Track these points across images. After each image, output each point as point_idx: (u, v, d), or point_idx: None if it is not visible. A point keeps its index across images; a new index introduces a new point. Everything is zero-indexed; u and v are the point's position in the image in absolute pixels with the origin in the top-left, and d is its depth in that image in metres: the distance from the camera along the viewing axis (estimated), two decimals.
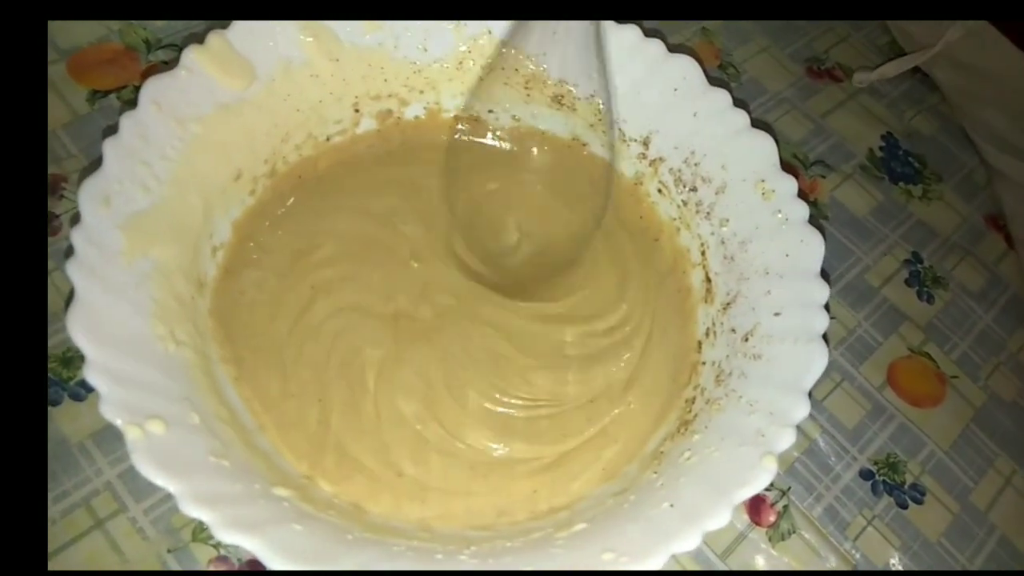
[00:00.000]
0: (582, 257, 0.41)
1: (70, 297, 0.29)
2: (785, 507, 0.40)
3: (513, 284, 0.40)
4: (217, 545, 0.35)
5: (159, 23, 0.48)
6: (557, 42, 0.41)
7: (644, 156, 0.42)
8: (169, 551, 0.35)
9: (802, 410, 0.31)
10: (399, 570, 0.27)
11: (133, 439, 0.27)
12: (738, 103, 0.39)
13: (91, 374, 0.27)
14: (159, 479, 0.26)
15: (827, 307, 0.34)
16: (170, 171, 0.34)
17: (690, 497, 0.30)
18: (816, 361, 0.32)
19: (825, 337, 0.33)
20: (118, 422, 0.27)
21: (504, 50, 0.42)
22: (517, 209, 0.42)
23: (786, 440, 0.30)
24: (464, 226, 0.40)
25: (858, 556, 0.40)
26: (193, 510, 0.26)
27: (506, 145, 0.44)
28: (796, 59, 0.58)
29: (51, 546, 0.34)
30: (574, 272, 0.41)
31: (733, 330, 0.36)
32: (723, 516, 0.28)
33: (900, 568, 0.40)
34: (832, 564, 0.39)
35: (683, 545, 0.28)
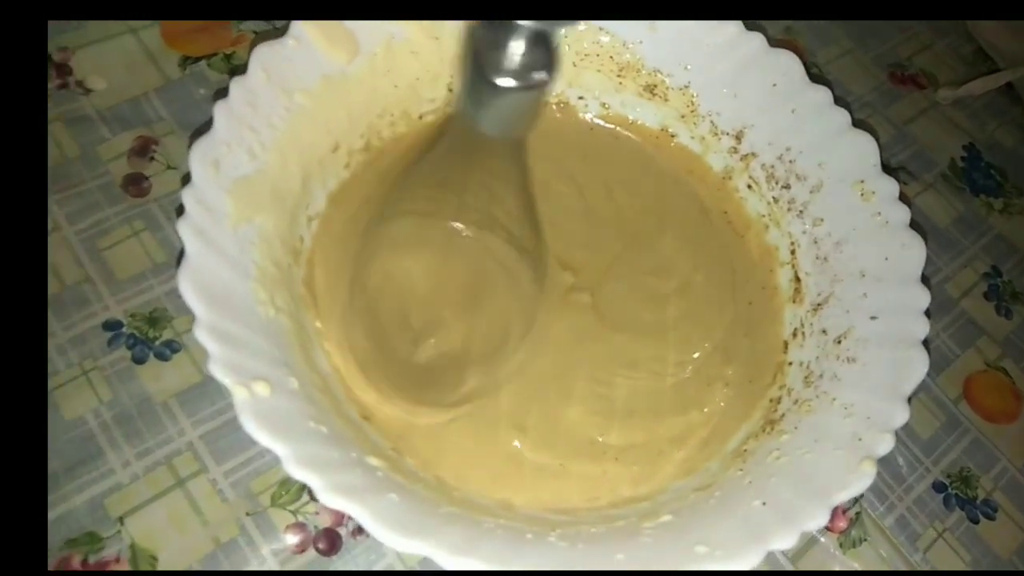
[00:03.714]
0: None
1: (178, 258, 0.30)
2: (857, 514, 0.40)
3: None
4: (295, 511, 0.35)
5: None
6: (655, 31, 0.41)
7: (735, 151, 0.42)
8: (248, 514, 0.35)
9: (902, 416, 0.30)
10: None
11: (241, 399, 0.27)
12: (838, 101, 0.38)
13: (201, 332, 0.28)
14: (266, 439, 0.26)
15: (927, 314, 0.33)
16: (275, 139, 0.34)
17: (784, 496, 0.29)
18: (917, 367, 0.32)
19: (926, 344, 0.32)
20: (227, 381, 0.27)
21: (601, 37, 0.42)
22: None
23: (885, 446, 0.30)
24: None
25: (927, 568, 0.39)
26: (299, 472, 0.26)
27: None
28: (879, 64, 0.57)
29: (134, 502, 0.34)
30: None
31: (824, 331, 0.36)
32: (821, 517, 0.28)
33: None
34: None
35: (780, 543, 0.27)
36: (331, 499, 0.26)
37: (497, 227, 0.31)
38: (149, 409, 0.36)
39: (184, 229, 0.29)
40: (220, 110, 0.32)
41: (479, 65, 0.21)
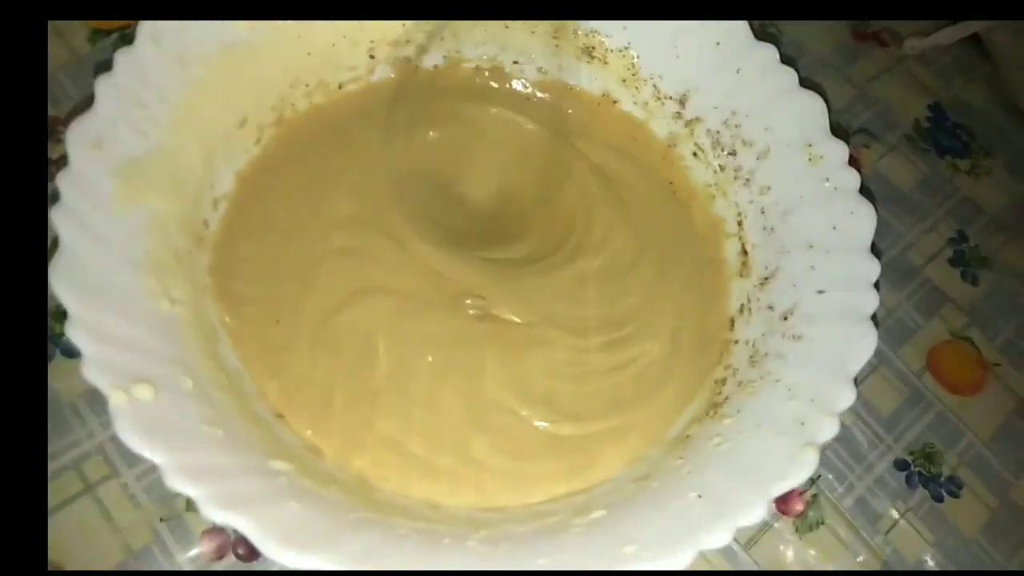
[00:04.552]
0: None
1: (54, 246, 0.27)
2: (814, 496, 0.38)
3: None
4: None
5: None
6: None
7: (680, 116, 0.39)
8: (162, 520, 0.33)
9: (847, 398, 0.28)
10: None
11: (117, 404, 0.25)
12: (785, 60, 0.36)
13: (74, 331, 0.25)
14: (143, 449, 0.24)
15: (876, 286, 0.31)
16: (169, 115, 0.31)
17: (721, 487, 0.27)
18: (864, 345, 0.29)
19: (874, 318, 0.30)
20: (102, 385, 0.25)
21: None
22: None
23: (829, 430, 0.28)
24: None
25: (889, 551, 0.38)
26: (179, 484, 0.24)
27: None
28: (841, 20, 0.54)
29: None
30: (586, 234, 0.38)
31: (771, 307, 0.34)
32: (758, 511, 0.26)
33: (933, 565, 0.38)
34: (862, 558, 0.37)
35: (713, 541, 0.25)
36: (215, 512, 0.24)
37: None
38: (56, 410, 0.34)
39: (58, 218, 0.27)
40: (102, 84, 0.30)
41: None
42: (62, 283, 0.26)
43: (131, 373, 0.26)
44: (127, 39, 0.41)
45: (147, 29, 0.31)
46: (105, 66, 0.30)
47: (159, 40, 0.31)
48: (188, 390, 0.27)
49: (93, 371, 0.25)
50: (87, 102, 0.30)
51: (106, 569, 0.32)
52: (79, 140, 0.28)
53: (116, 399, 0.25)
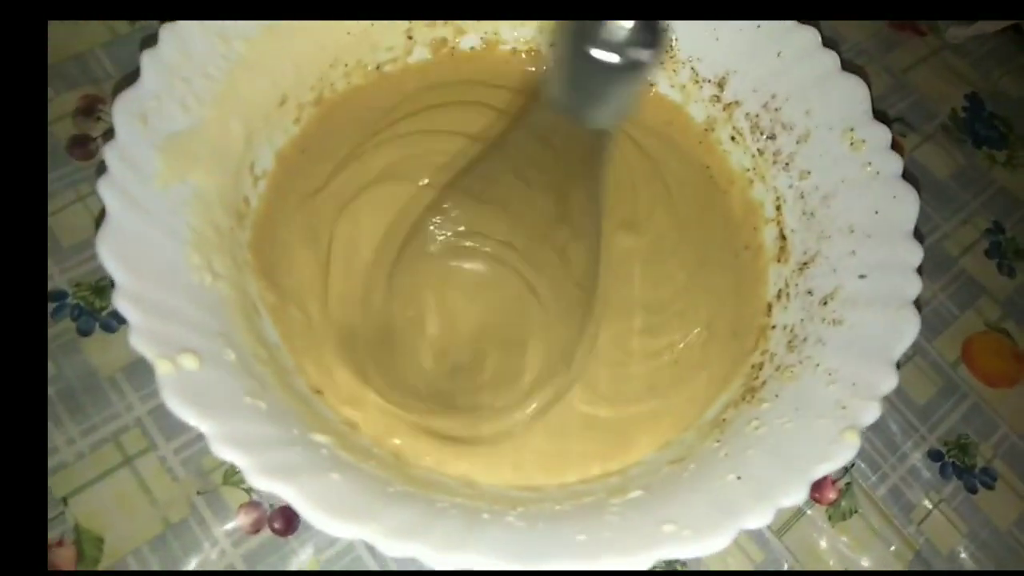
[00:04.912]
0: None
1: (100, 218, 0.27)
2: (848, 485, 0.38)
3: None
4: (249, 490, 0.34)
5: None
6: None
7: (718, 99, 0.39)
8: (199, 493, 0.33)
9: (890, 382, 0.28)
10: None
11: (164, 373, 0.25)
12: (827, 43, 0.36)
13: (121, 301, 0.25)
14: (190, 417, 0.24)
15: (919, 271, 0.31)
16: (212, 91, 0.31)
17: (760, 469, 0.27)
18: (907, 329, 0.29)
19: (917, 303, 0.30)
20: (148, 354, 0.25)
21: None
22: None
23: (871, 414, 0.28)
24: None
25: (922, 541, 0.37)
26: (225, 452, 0.24)
27: None
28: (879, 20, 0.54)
29: (79, 481, 0.33)
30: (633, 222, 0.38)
31: (810, 292, 0.33)
32: (799, 493, 0.26)
33: (966, 557, 0.37)
34: (894, 548, 0.37)
35: (754, 521, 0.25)
36: (261, 480, 0.24)
37: (548, 260, 0.29)
38: (95, 384, 0.35)
39: (105, 189, 0.27)
40: (147, 59, 0.30)
41: (579, 37, 0.18)
42: (109, 253, 0.26)
43: (176, 343, 0.26)
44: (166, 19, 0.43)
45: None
46: (150, 41, 0.30)
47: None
48: (231, 362, 0.27)
49: (139, 340, 0.25)
50: (130, 78, 0.30)
51: (146, 540, 0.32)
52: (125, 113, 0.29)
53: (163, 368, 0.25)
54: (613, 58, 0.19)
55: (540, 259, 0.30)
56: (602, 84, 0.20)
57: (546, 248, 0.30)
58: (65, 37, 0.41)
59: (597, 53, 0.19)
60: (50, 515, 0.32)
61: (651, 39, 0.19)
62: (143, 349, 0.25)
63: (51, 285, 0.36)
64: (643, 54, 0.19)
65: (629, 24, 0.18)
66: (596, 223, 0.27)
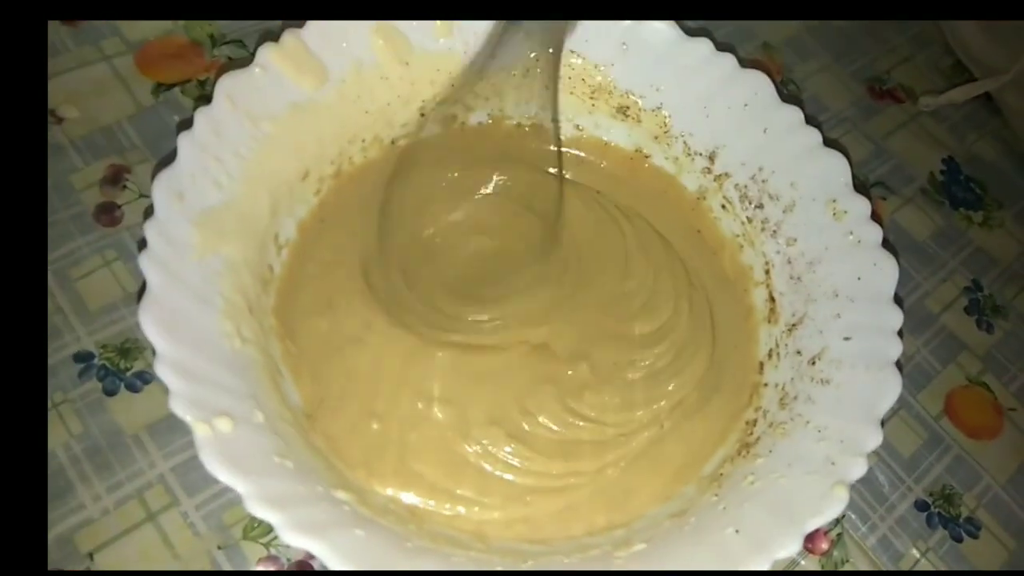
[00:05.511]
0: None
1: (142, 290, 0.29)
2: (839, 535, 0.39)
3: None
4: (267, 544, 0.35)
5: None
6: (626, 54, 0.41)
7: (709, 171, 0.42)
8: (219, 548, 0.34)
9: (875, 439, 0.30)
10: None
11: (202, 436, 0.26)
12: (810, 120, 0.38)
13: (162, 368, 0.27)
14: (227, 478, 0.26)
15: (900, 334, 0.33)
16: (242, 168, 0.34)
17: (757, 523, 0.29)
18: (890, 389, 0.31)
19: (898, 364, 0.32)
20: (188, 418, 0.27)
21: (573, 59, 0.41)
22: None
23: (858, 470, 0.30)
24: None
25: None
26: (260, 511, 0.26)
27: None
28: (858, 78, 0.57)
29: (104, 537, 0.34)
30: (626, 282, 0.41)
31: (799, 352, 0.36)
32: (794, 545, 0.28)
33: None
34: None
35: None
36: (293, 537, 0.25)
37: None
38: (120, 442, 0.36)
39: (146, 263, 0.29)
40: (184, 141, 0.32)
41: None
42: (151, 323, 0.28)
43: (212, 407, 0.28)
44: (188, 93, 0.45)
45: (223, 88, 0.34)
46: (186, 124, 0.33)
47: (234, 99, 0.34)
48: (260, 423, 0.29)
49: (179, 404, 0.27)
50: (167, 157, 0.32)
51: None
52: (164, 191, 0.31)
53: (200, 431, 0.27)
54: None
55: None
56: None
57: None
58: (93, 110, 0.44)
59: None
60: (76, 569, 0.33)
61: None
62: (182, 413, 0.27)
63: (78, 347, 0.38)
64: None
65: None
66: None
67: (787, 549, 0.27)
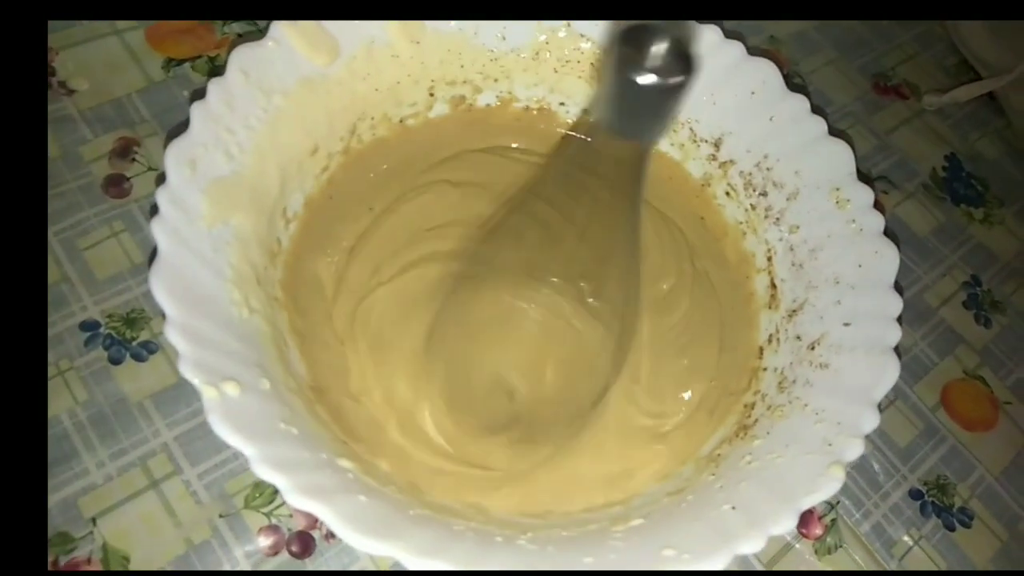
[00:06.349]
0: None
1: (149, 261, 0.30)
2: (833, 521, 0.40)
3: None
4: (269, 513, 0.35)
5: None
6: None
7: (714, 158, 0.42)
8: (221, 516, 0.35)
9: (872, 421, 0.31)
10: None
11: (210, 400, 0.27)
12: (816, 110, 0.39)
13: (171, 331, 0.28)
14: (234, 440, 0.26)
15: (899, 320, 0.33)
16: (252, 140, 0.34)
17: (753, 501, 0.29)
18: (888, 373, 0.32)
19: (897, 350, 0.32)
20: (196, 381, 0.27)
21: (582, 43, 0.42)
22: None
23: (854, 451, 0.30)
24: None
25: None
26: (266, 473, 0.26)
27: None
28: (863, 73, 0.58)
29: (107, 503, 0.34)
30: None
31: (798, 338, 0.36)
32: (789, 521, 0.28)
33: None
34: None
35: (747, 547, 0.27)
36: (299, 500, 0.26)
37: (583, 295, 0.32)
38: (124, 410, 0.36)
39: (158, 229, 0.30)
40: (197, 111, 0.32)
41: (622, 65, 0.21)
42: (161, 288, 0.28)
43: (220, 372, 0.28)
44: (198, 69, 0.46)
45: (236, 61, 0.34)
46: (199, 94, 0.33)
47: (247, 72, 0.34)
48: (267, 390, 0.29)
49: (188, 368, 0.27)
50: (179, 127, 0.32)
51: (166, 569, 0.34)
52: (176, 160, 0.31)
53: (209, 394, 0.27)
54: (651, 79, 0.21)
55: (581, 290, 0.33)
56: (644, 105, 0.23)
57: (588, 279, 0.32)
58: (104, 83, 0.44)
59: (640, 79, 0.21)
60: (79, 534, 0.34)
61: (684, 66, 0.22)
62: (191, 376, 0.27)
63: (84, 316, 0.38)
64: (678, 78, 0.22)
65: (663, 49, 0.21)
66: (637, 247, 0.30)
67: (782, 526, 0.28)
